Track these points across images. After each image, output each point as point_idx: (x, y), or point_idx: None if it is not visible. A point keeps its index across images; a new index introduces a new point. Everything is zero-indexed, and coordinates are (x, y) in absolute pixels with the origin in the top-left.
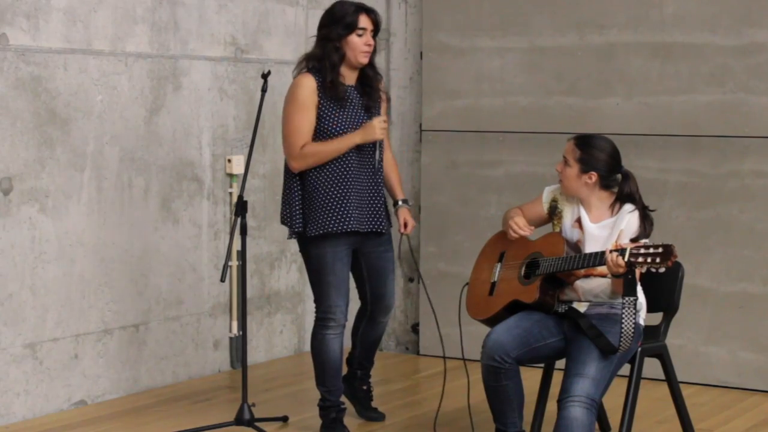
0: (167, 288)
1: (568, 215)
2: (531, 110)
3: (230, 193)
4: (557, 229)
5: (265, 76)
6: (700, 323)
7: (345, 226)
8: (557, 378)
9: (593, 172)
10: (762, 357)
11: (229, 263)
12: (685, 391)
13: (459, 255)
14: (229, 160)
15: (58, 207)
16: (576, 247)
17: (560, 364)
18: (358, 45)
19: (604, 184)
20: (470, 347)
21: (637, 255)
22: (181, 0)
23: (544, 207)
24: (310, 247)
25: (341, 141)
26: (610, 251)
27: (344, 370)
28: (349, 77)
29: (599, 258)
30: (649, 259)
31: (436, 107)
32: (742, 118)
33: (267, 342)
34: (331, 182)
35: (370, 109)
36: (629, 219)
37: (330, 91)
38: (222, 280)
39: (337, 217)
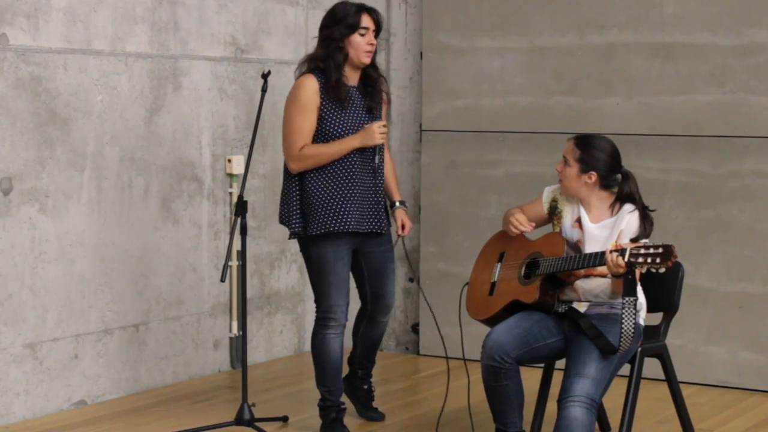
0: (167, 288)
1: (568, 215)
2: (531, 110)
3: (230, 193)
4: (557, 229)
5: (265, 76)
6: (700, 323)
7: (346, 227)
8: (557, 378)
9: (593, 172)
10: (762, 357)
11: (229, 263)
12: (685, 391)
13: (459, 255)
14: (229, 160)
15: (58, 207)
16: (576, 247)
17: (560, 364)
18: (361, 44)
19: (604, 184)
20: (470, 347)
21: (637, 255)
22: (181, 0)
23: (544, 207)
24: (311, 247)
25: (340, 144)
26: (610, 251)
27: (345, 370)
28: (352, 78)
29: (599, 258)
30: (649, 260)
31: (436, 107)
32: (742, 118)
33: (267, 342)
34: (332, 183)
35: (372, 111)
36: (629, 219)
37: (333, 91)
38: (222, 280)
39: (338, 217)
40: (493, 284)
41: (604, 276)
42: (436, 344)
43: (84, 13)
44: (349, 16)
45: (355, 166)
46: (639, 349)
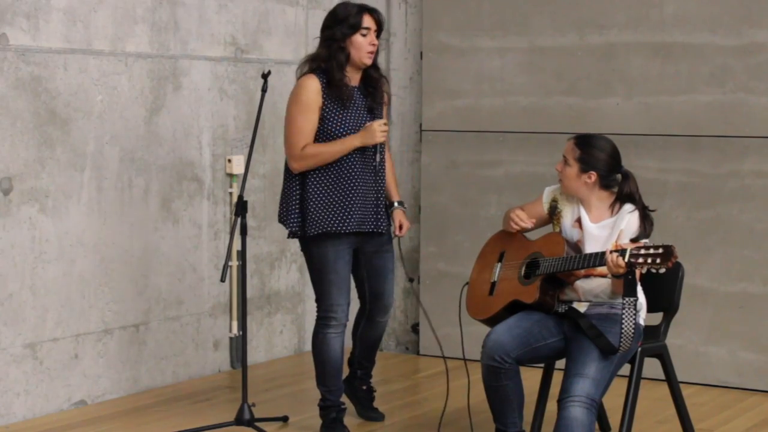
0: (167, 288)
1: (568, 215)
2: (531, 110)
3: (230, 193)
4: (557, 229)
5: (265, 76)
6: (700, 323)
7: (346, 227)
8: (557, 378)
9: (593, 172)
10: (762, 357)
11: (229, 263)
12: (685, 391)
13: (459, 255)
14: (229, 160)
15: (58, 207)
16: (576, 247)
17: (560, 364)
18: (363, 45)
19: (604, 183)
20: (470, 347)
21: (638, 255)
22: (181, 0)
23: (544, 207)
24: (312, 246)
25: (341, 143)
26: (611, 252)
27: (345, 371)
28: (353, 78)
29: (599, 258)
30: (649, 260)
31: (436, 107)
32: (742, 118)
33: (267, 342)
34: (334, 182)
35: (373, 111)
36: (629, 219)
37: (335, 91)
38: (222, 280)
39: (339, 217)
40: (493, 284)
41: (604, 276)
42: (436, 344)
43: (84, 13)
44: (350, 16)
45: (356, 166)
46: (639, 349)
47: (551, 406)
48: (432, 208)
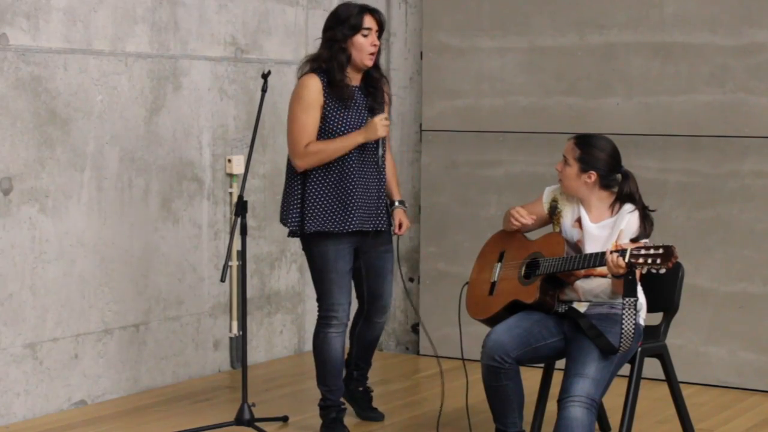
0: (167, 288)
1: (568, 215)
2: (531, 110)
3: (230, 193)
4: (557, 229)
5: (265, 76)
6: (700, 323)
7: (347, 227)
8: (557, 378)
9: (593, 172)
10: (762, 357)
11: (229, 263)
12: (685, 391)
13: (459, 255)
14: (229, 160)
15: (58, 207)
16: (576, 247)
17: (560, 364)
18: (364, 46)
19: (604, 183)
20: (470, 347)
21: (638, 256)
22: (181, 0)
23: (545, 207)
24: (313, 245)
25: (345, 140)
26: (611, 252)
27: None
28: (354, 78)
29: (599, 258)
30: (649, 260)
31: (436, 107)
32: (742, 118)
33: (267, 342)
34: (335, 182)
35: (374, 111)
36: (629, 219)
37: (336, 92)
38: (222, 280)
39: (339, 217)
40: (493, 284)
41: (604, 276)
42: (436, 344)
43: (84, 13)
44: (351, 17)
45: (357, 165)
46: (639, 349)
47: (551, 406)
48: (432, 208)
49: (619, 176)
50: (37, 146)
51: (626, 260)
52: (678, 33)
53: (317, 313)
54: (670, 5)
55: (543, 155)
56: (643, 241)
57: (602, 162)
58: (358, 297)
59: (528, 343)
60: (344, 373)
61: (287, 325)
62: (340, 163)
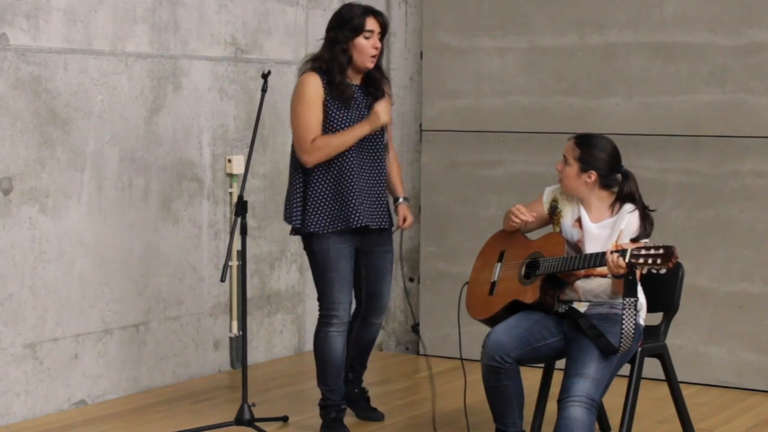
0: (167, 288)
1: (568, 215)
2: (531, 110)
3: (230, 193)
4: (557, 229)
5: (265, 76)
6: (700, 323)
7: (349, 223)
8: (557, 378)
9: (593, 171)
10: (762, 357)
11: (229, 263)
12: (685, 391)
13: (459, 255)
14: (229, 160)
15: (58, 207)
16: (576, 247)
17: (560, 364)
18: (366, 48)
19: (604, 183)
20: (471, 347)
21: (638, 256)
22: (181, 0)
23: (545, 207)
24: (314, 244)
25: (350, 131)
26: (611, 252)
27: None
28: (355, 78)
29: (600, 258)
30: (650, 260)
31: (436, 107)
32: (742, 118)
33: (267, 342)
34: (334, 179)
35: None
36: (629, 219)
37: (337, 91)
38: (222, 280)
39: (341, 215)
40: (493, 284)
41: (604, 276)
42: (436, 344)
43: (84, 13)
44: (354, 18)
45: (355, 162)
46: (639, 349)
47: (551, 406)
48: (432, 208)
49: (619, 176)
50: (37, 146)
51: (627, 260)
52: (678, 33)
53: (318, 313)
54: (670, 5)
55: (543, 155)
56: (644, 241)
57: (602, 162)
58: (356, 297)
59: (528, 343)
60: None
61: (287, 325)
62: (340, 160)
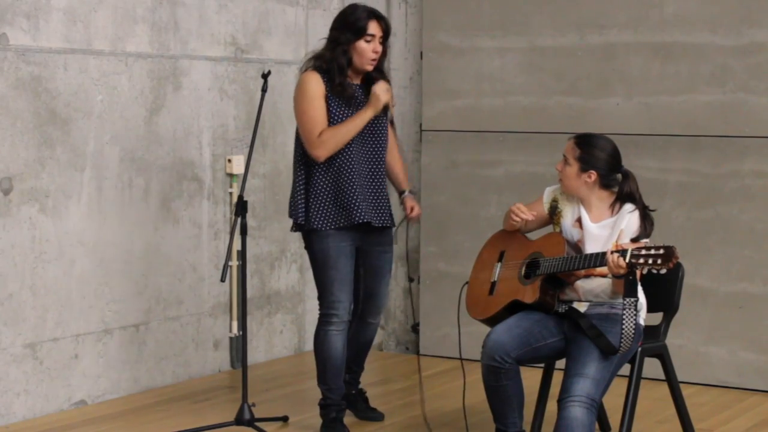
0: (167, 288)
1: (568, 215)
2: (531, 110)
3: (230, 193)
4: (557, 229)
5: (265, 76)
6: (700, 323)
7: (350, 220)
8: (557, 378)
9: (593, 171)
10: (762, 357)
11: (229, 263)
12: (685, 391)
13: (459, 255)
14: (229, 160)
15: (58, 207)
16: (576, 247)
17: (560, 364)
18: (366, 52)
19: (604, 183)
20: (471, 347)
21: (639, 256)
22: (181, 0)
23: (545, 207)
24: (314, 242)
25: (355, 118)
26: (612, 252)
27: None
28: (356, 78)
29: (600, 259)
30: (650, 261)
31: (436, 107)
32: (742, 118)
33: (267, 342)
34: (334, 177)
35: None
36: (629, 219)
37: (337, 92)
38: (222, 280)
39: (343, 212)
40: (493, 284)
41: (604, 276)
42: (436, 344)
43: (84, 13)
44: (357, 21)
45: (356, 159)
46: (639, 349)
47: (551, 406)
48: (432, 208)
49: (619, 176)
50: (37, 146)
51: (627, 260)
52: (678, 33)
53: (318, 312)
54: (670, 5)
55: (543, 155)
56: (644, 241)
57: (602, 161)
58: (354, 296)
59: (528, 343)
60: None
61: (287, 325)
62: (341, 157)
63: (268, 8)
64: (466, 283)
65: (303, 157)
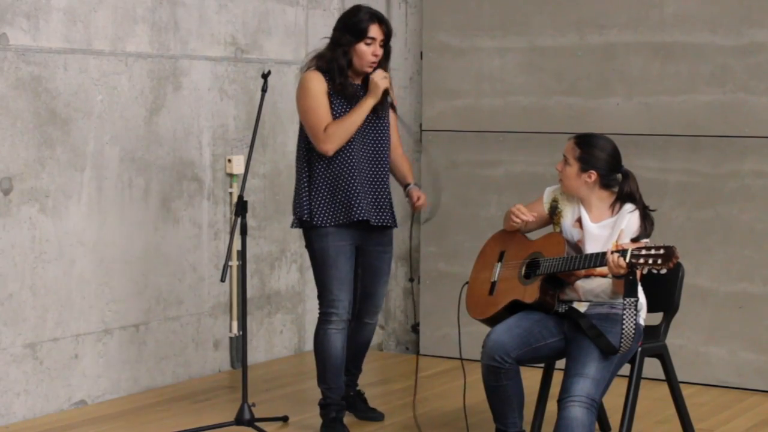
0: (167, 288)
1: (568, 215)
2: (531, 110)
3: (230, 193)
4: (557, 229)
5: (265, 76)
6: (700, 323)
7: (349, 217)
8: (557, 378)
9: (593, 171)
10: (762, 357)
11: (229, 263)
12: (685, 391)
13: (459, 255)
14: (229, 160)
15: (58, 207)
16: (576, 247)
17: (560, 364)
18: (366, 54)
19: (604, 183)
20: (471, 347)
21: (639, 256)
22: (181, 0)
23: (545, 207)
24: (314, 241)
25: (358, 108)
26: (612, 252)
27: None
28: (356, 78)
29: (600, 259)
30: (650, 261)
31: (436, 107)
32: (742, 118)
33: (267, 342)
34: (335, 174)
35: (377, 110)
36: (630, 219)
37: (339, 90)
38: (222, 280)
39: (342, 208)
40: (493, 284)
41: (604, 276)
42: (436, 344)
43: (84, 13)
44: (359, 23)
45: (356, 157)
46: (639, 349)
47: (551, 406)
48: (432, 208)
49: (619, 176)
50: (37, 146)
51: (627, 260)
52: (678, 33)
53: (318, 311)
54: (670, 5)
55: (543, 155)
56: (644, 241)
57: (602, 161)
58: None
59: (528, 343)
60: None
61: (287, 325)
62: (342, 155)
63: (268, 8)
64: (466, 283)
65: (306, 155)
